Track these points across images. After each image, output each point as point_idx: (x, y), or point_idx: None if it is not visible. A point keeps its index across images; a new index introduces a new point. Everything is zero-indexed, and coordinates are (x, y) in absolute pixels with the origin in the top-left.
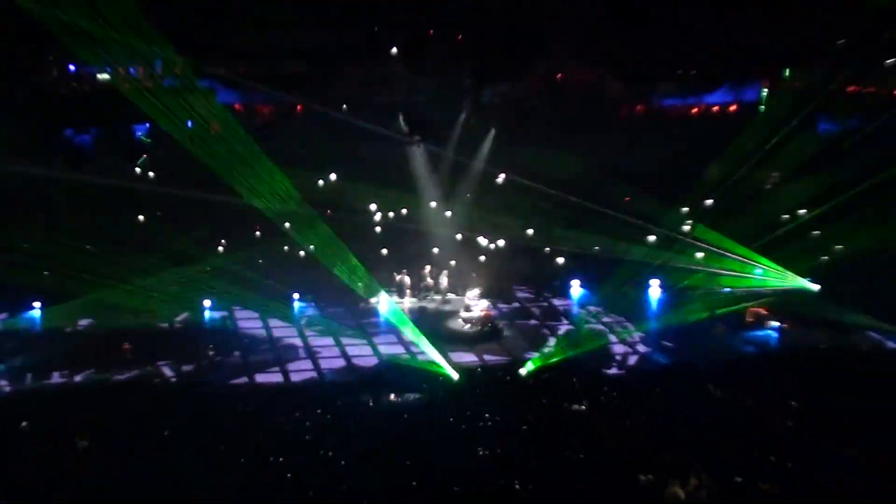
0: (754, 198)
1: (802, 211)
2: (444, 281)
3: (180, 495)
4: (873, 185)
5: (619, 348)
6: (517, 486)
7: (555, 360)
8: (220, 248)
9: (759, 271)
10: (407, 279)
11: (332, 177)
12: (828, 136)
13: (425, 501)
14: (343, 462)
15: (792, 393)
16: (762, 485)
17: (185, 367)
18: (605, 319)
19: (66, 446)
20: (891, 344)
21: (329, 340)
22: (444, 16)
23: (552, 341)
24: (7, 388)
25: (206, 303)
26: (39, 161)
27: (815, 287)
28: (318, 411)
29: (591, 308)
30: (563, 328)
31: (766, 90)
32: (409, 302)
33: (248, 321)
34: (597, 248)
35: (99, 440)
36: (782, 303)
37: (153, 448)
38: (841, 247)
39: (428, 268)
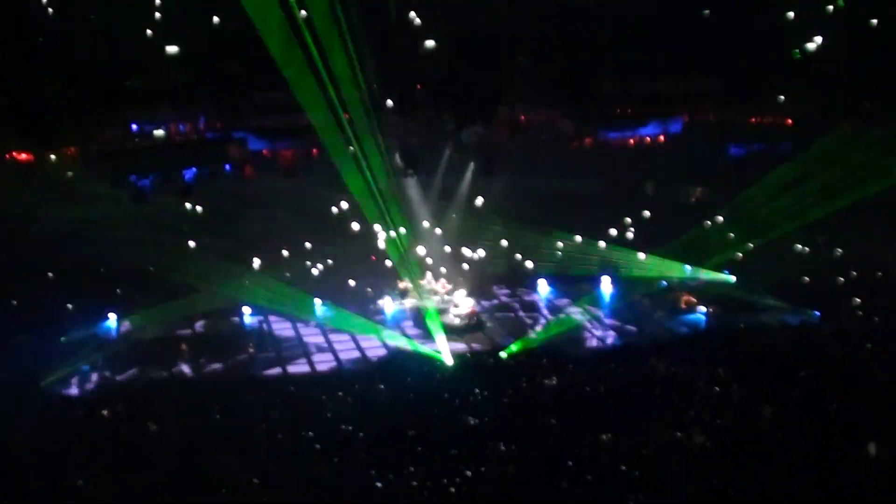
0: (682, 209)
1: (720, 218)
2: (439, 285)
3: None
4: (775, 193)
5: (581, 334)
6: (503, 448)
7: (528, 345)
8: (255, 265)
9: (688, 267)
10: (409, 284)
11: (344, 205)
12: (737, 157)
13: (428, 461)
14: (361, 434)
15: (718, 363)
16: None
17: (231, 361)
18: (572, 309)
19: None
20: (791, 319)
21: (346, 336)
22: (429, 76)
23: (529, 331)
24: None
25: (246, 309)
26: (111, 199)
27: (732, 278)
28: (339, 394)
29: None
30: (543, 320)
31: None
32: (410, 302)
33: (279, 322)
34: (559, 252)
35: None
36: (708, 291)
37: (212, 425)
38: (751, 245)
39: (429, 274)
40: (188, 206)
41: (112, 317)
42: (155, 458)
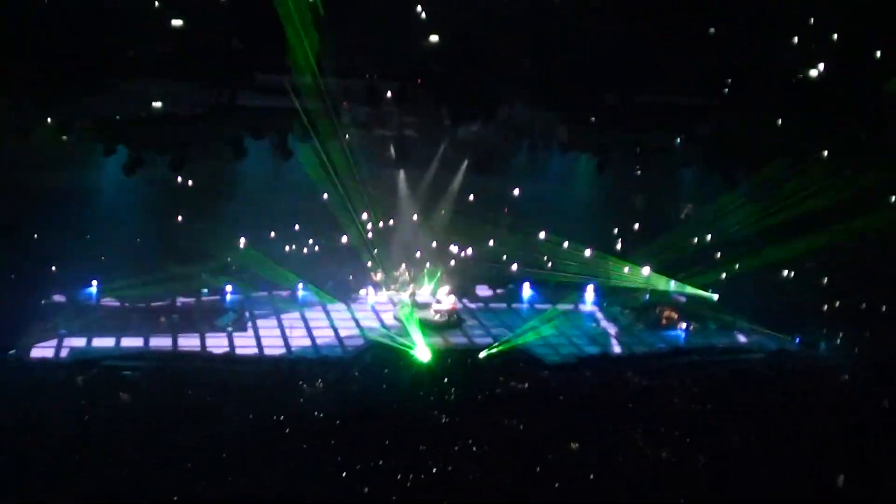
0: (672, 224)
1: (708, 236)
2: (419, 279)
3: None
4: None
5: (556, 339)
6: (474, 448)
7: (506, 346)
8: (241, 244)
9: (672, 283)
10: (383, 276)
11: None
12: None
13: (398, 455)
14: (338, 422)
15: (693, 380)
16: None
17: (207, 338)
18: (553, 315)
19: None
20: (770, 344)
21: (325, 322)
22: (429, 71)
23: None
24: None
25: (228, 287)
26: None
27: (714, 297)
28: (318, 382)
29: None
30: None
31: (677, 140)
32: (387, 295)
33: (259, 303)
34: (545, 257)
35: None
36: (689, 308)
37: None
38: (737, 266)
39: (403, 266)
40: (179, 179)
41: (94, 283)
42: (122, 430)
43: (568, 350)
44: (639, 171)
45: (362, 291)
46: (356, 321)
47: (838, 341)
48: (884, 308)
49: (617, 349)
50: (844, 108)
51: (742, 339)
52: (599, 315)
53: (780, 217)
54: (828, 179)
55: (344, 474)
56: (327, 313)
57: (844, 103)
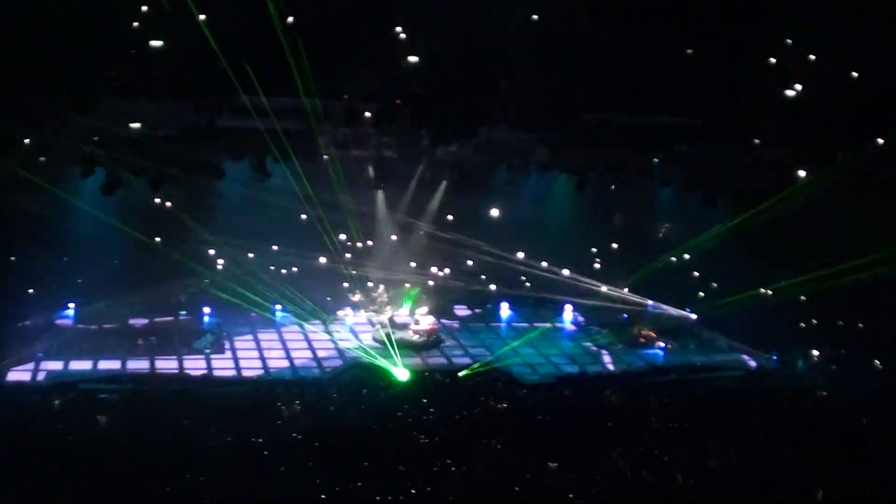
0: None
1: (686, 256)
2: (397, 299)
3: None
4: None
5: (535, 359)
6: (453, 468)
7: (484, 367)
8: (219, 265)
9: (650, 302)
10: (362, 297)
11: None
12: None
13: (377, 475)
14: (317, 443)
15: (671, 398)
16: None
17: (185, 360)
18: (531, 335)
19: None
20: (749, 361)
21: (303, 343)
22: (408, 91)
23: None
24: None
25: (206, 309)
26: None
27: (693, 315)
28: (297, 403)
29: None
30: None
31: (656, 160)
32: (365, 316)
33: (238, 326)
34: (523, 277)
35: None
36: (667, 327)
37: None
38: (715, 285)
39: (382, 287)
40: (157, 200)
41: (71, 305)
42: (99, 453)
43: (546, 369)
44: (617, 191)
45: (341, 312)
46: (334, 342)
47: (816, 359)
48: (860, 325)
49: (595, 368)
50: (826, 129)
51: (720, 357)
52: (578, 334)
53: (758, 236)
54: (808, 199)
55: (323, 496)
56: (305, 334)
57: (825, 124)
